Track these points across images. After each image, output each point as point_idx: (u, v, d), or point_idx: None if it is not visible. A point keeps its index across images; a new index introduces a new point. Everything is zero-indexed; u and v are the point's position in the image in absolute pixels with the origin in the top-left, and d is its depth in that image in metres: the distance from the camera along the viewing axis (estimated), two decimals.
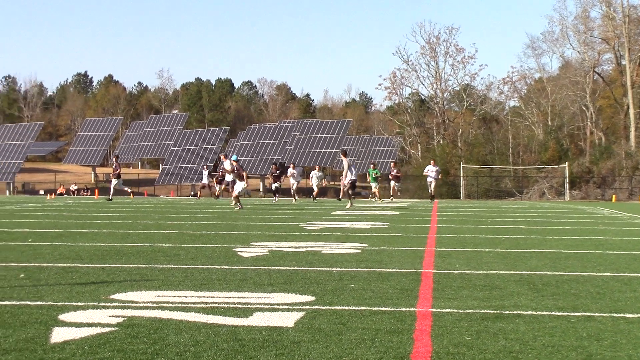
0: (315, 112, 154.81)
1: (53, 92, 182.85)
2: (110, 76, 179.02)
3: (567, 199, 64.00)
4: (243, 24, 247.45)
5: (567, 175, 67.11)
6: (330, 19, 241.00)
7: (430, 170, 50.17)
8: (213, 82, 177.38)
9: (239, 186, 30.99)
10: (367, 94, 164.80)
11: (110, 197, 45.55)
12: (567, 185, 67.21)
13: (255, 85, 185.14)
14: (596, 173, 71.45)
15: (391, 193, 52.20)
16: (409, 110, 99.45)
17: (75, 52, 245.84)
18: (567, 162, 69.53)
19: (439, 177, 54.48)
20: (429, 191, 51.02)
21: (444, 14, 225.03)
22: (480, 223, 27.85)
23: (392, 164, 56.68)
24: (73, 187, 79.76)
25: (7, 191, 77.75)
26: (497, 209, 40.71)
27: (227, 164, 42.11)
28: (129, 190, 51.06)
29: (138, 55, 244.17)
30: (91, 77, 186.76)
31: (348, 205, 37.66)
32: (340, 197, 46.24)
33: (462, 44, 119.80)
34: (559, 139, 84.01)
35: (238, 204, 31.32)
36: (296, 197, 48.42)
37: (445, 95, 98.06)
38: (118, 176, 44.90)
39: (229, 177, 40.91)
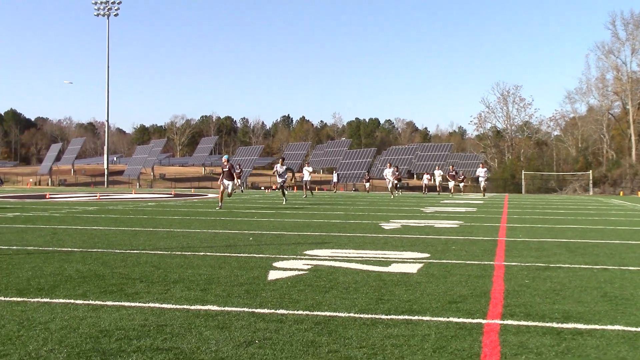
0: (430, 139, 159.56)
1: (269, 127, 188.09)
2: (303, 117, 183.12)
3: (591, 194, 64.25)
4: (389, 80, 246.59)
5: (590, 178, 70.25)
6: (440, 77, 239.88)
7: (481, 172, 46.34)
8: (367, 120, 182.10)
9: (230, 184, 25.08)
10: (462, 127, 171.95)
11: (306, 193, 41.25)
12: (590, 185, 69.64)
13: (393, 122, 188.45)
14: (610, 177, 75.95)
15: (452, 191, 47.96)
16: (489, 137, 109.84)
17: (282, 100, 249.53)
18: (590, 170, 73.18)
19: (488, 176, 50.02)
20: (481, 188, 45.84)
21: (512, 75, 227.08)
22: (535, 209, 27.50)
23: (450, 167, 51.13)
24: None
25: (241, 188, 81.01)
26: (545, 200, 40.63)
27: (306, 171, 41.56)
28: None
29: (321, 101, 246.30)
30: (292, 118, 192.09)
31: (450, 197, 40.11)
32: (452, 192, 45.04)
33: (524, 95, 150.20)
34: (586, 156, 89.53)
35: (220, 202, 24.22)
36: (397, 192, 45.67)
37: (512, 127, 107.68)
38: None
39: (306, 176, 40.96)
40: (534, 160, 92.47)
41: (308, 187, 40.88)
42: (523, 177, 73.22)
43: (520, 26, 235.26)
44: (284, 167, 29.35)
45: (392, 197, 39.43)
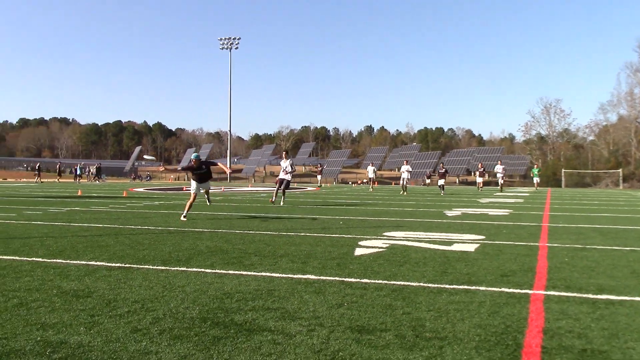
0: (484, 143, 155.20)
1: (355, 135, 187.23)
2: (382, 126, 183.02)
3: (621, 188, 61.05)
4: (452, 94, 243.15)
5: (620, 175, 67.50)
6: (494, 91, 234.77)
7: (499, 168, 39.00)
8: (433, 128, 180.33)
9: (204, 187, 14.23)
10: (512, 133, 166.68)
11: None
12: (621, 180, 66.69)
13: (454, 130, 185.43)
14: (637, 174, 72.62)
15: (481, 185, 41.46)
16: (534, 142, 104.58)
17: (366, 112, 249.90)
18: (620, 169, 70.22)
19: (505, 172, 40.07)
20: (499, 183, 38.85)
21: (554, 90, 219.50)
22: (573, 200, 26.56)
23: (479, 164, 42.34)
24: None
25: (334, 182, 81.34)
26: (582, 193, 39.04)
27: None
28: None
29: (397, 113, 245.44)
30: (373, 127, 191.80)
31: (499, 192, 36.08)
32: (501, 188, 38.20)
33: (563, 107, 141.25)
34: (616, 156, 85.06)
35: (185, 211, 13.40)
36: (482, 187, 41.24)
37: (554, 134, 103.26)
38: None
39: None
40: (572, 161, 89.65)
41: (405, 183, 34.26)
42: (563, 174, 71.12)
43: (563, 48, 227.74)
44: (289, 160, 19.73)
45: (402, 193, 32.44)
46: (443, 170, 34.44)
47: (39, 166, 60.52)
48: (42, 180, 58.02)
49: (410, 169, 35.39)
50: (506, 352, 3.67)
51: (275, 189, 19.99)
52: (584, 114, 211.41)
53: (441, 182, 33.79)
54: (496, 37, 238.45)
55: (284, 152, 20.48)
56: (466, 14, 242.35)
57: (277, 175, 20.52)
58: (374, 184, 41.09)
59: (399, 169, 70.76)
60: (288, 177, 19.58)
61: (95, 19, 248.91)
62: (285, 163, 19.73)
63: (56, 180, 60.34)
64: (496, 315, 4.56)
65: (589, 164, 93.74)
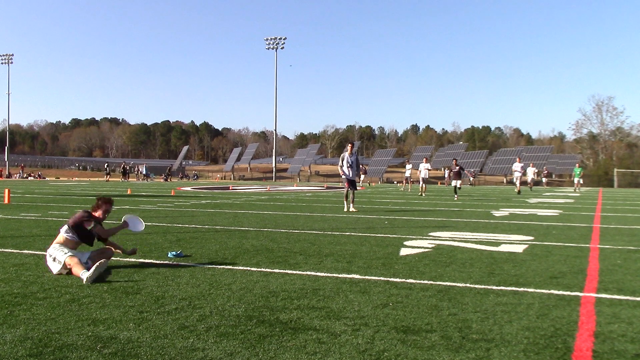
0: (533, 142, 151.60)
1: (401, 134, 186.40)
2: (428, 125, 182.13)
3: None
4: (500, 92, 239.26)
5: None
6: (543, 89, 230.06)
7: (517, 166, 32.80)
8: (480, 127, 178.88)
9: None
10: (562, 132, 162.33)
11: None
12: None
13: (502, 128, 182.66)
14: None
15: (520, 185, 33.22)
16: (585, 141, 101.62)
17: (412, 111, 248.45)
18: None
19: (523, 171, 33.09)
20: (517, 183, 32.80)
21: (607, 87, 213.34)
22: (626, 200, 25.94)
23: (516, 160, 33.49)
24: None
25: (379, 181, 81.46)
26: (635, 194, 37.41)
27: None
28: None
29: (443, 112, 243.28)
30: (419, 126, 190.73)
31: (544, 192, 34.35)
32: (526, 188, 34.81)
33: (616, 104, 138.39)
34: None
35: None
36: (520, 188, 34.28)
37: (606, 132, 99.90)
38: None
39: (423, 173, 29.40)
40: (625, 160, 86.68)
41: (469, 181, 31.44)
42: (615, 174, 68.93)
43: (616, 43, 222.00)
44: (354, 156, 16.69)
45: (402, 189, 28.96)
46: (457, 168, 27.35)
47: (107, 165, 63.13)
48: (109, 179, 60.66)
49: (430, 167, 30.59)
50: (555, 355, 3.59)
51: (344, 193, 16.54)
52: (638, 111, 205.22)
53: (455, 182, 26.68)
54: (546, 33, 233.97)
55: (349, 145, 16.79)
56: (517, 10, 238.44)
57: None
58: (411, 184, 40.02)
59: (447, 168, 70.29)
60: (354, 175, 16.56)
61: (145, 22, 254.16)
62: (352, 158, 16.51)
63: (120, 179, 61.99)
64: (545, 317, 4.46)
65: None
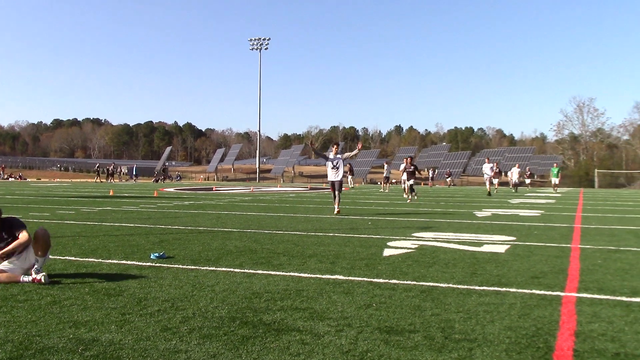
0: (516, 143, 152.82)
1: (384, 135, 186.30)
2: (411, 126, 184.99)
3: None
4: (482, 94, 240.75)
5: None
6: (526, 90, 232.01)
7: (485, 167, 32.16)
8: (463, 128, 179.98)
9: None
10: (543, 133, 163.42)
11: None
12: None
13: (484, 129, 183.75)
14: None
15: (496, 186, 34.29)
16: (567, 142, 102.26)
17: (395, 112, 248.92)
18: None
19: (493, 173, 31.88)
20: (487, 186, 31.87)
21: (587, 89, 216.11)
22: (607, 200, 26.25)
23: (494, 164, 32.24)
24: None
25: (363, 182, 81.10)
26: (615, 194, 38.71)
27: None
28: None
29: (426, 113, 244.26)
30: (402, 127, 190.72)
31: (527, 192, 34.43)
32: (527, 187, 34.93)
33: (597, 106, 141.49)
34: None
35: None
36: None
37: (587, 133, 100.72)
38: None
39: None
40: (605, 161, 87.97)
41: (493, 181, 31.13)
42: (596, 175, 69.68)
43: (597, 45, 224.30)
44: (339, 155, 15.92)
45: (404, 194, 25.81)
46: (412, 168, 25.04)
47: (98, 166, 63.28)
48: (101, 180, 60.59)
49: (412, 169, 26.33)
50: (537, 354, 3.62)
51: (332, 195, 15.86)
52: (619, 113, 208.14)
53: (410, 182, 24.26)
54: (528, 35, 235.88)
55: (333, 145, 16.24)
56: (500, 12, 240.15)
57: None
58: (389, 184, 39.88)
59: (428, 170, 70.48)
60: (339, 177, 15.72)
61: (126, 20, 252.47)
62: (335, 157, 15.69)
63: (109, 181, 61.42)
64: (527, 317, 4.50)
65: (623, 164, 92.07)
